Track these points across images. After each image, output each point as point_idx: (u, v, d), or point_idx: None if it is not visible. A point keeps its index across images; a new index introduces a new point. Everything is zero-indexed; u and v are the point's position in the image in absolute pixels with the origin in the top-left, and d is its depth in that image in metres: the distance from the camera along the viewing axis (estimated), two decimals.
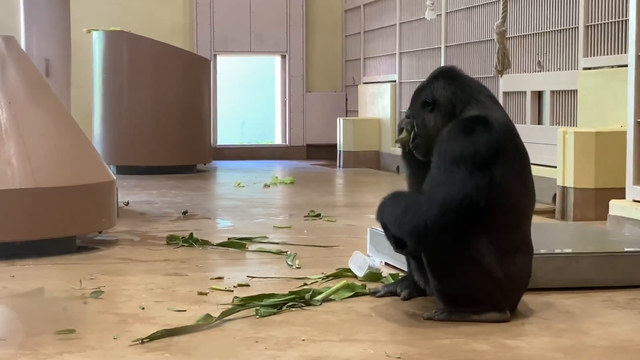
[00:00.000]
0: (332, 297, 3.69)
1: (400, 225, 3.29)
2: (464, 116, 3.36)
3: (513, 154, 3.31)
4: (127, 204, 7.11)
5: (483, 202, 3.20)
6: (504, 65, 6.25)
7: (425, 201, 3.24)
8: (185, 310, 3.51)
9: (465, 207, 3.18)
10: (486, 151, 3.22)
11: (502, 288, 3.32)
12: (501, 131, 3.29)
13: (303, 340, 3.10)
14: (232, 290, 3.87)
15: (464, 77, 3.49)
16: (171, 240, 5.21)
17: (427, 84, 3.50)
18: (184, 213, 6.64)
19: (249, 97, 13.85)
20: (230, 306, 3.48)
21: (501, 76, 7.42)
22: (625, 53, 6.00)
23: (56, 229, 4.76)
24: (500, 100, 8.23)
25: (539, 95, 7.78)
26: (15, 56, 4.98)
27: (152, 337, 3.08)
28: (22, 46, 5.95)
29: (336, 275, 4.13)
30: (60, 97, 5.45)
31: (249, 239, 5.24)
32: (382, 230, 3.46)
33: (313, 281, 4.05)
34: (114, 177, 5.22)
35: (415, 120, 3.49)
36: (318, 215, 6.41)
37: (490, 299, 3.33)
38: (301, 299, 3.61)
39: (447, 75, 3.48)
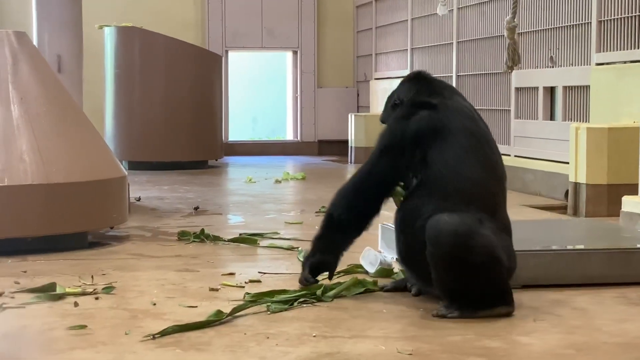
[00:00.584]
0: (343, 293, 3.69)
1: (333, 204, 3.64)
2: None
3: (460, 132, 3.42)
4: (139, 199, 7.12)
5: (420, 176, 3.40)
6: (514, 61, 6.23)
7: (349, 183, 3.63)
8: (196, 306, 3.52)
9: (379, 192, 3.54)
10: (419, 130, 3.43)
11: (506, 277, 3.35)
12: (445, 112, 3.45)
13: (314, 336, 3.10)
14: (244, 286, 3.87)
15: (429, 78, 3.69)
16: (182, 236, 5.21)
17: (396, 89, 3.73)
18: (196, 209, 6.64)
19: (260, 92, 13.84)
20: (241, 302, 3.48)
21: (511, 72, 7.41)
22: (638, 48, 5.99)
23: (68, 224, 4.77)
24: (512, 96, 8.22)
25: (551, 91, 7.75)
26: (27, 52, 4.99)
27: (163, 333, 3.08)
28: (35, 42, 5.96)
29: (347, 272, 4.12)
30: (72, 93, 5.46)
31: (260, 235, 5.24)
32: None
33: (324, 277, 4.04)
34: (126, 173, 5.23)
35: (387, 122, 3.72)
36: None
37: (498, 291, 3.34)
38: (312, 295, 3.61)
39: (413, 78, 3.71)
